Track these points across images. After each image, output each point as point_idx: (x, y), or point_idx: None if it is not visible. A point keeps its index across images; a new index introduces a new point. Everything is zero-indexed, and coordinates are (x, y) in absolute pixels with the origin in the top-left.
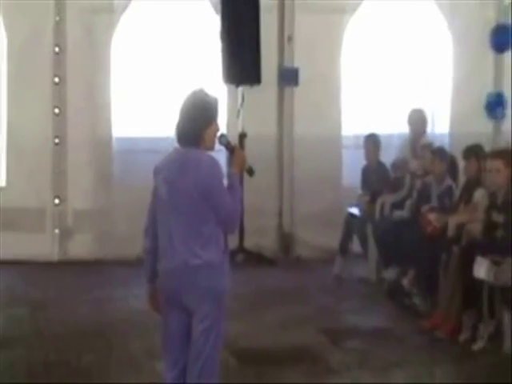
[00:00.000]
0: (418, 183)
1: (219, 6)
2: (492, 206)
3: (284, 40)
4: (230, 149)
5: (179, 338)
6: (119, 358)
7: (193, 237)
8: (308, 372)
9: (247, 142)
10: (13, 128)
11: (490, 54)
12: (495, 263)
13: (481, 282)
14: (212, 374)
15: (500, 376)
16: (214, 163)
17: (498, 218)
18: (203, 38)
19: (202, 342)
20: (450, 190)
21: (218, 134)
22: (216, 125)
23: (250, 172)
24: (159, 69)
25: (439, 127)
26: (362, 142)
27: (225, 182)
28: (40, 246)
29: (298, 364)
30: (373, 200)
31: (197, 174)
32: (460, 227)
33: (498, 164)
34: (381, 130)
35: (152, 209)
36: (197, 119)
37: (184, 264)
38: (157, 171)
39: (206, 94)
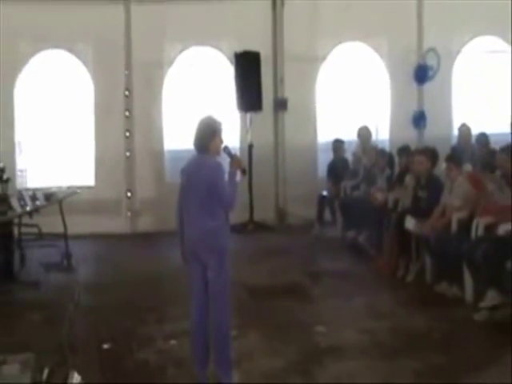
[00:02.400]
0: (368, 172)
1: (233, 60)
2: (417, 185)
3: (277, 80)
4: (231, 156)
5: (200, 281)
6: (171, 293)
7: (204, 213)
8: (296, 300)
9: (254, 150)
10: (99, 145)
11: (414, 85)
12: (419, 221)
13: (410, 235)
14: (225, 305)
15: (423, 297)
16: (218, 165)
17: (422, 193)
18: (223, 80)
19: (214, 284)
20: (389, 176)
21: (223, 145)
22: (219, 138)
23: (244, 172)
24: (193, 102)
25: (381, 135)
26: (330, 146)
27: (226, 177)
28: (118, 224)
29: (290, 295)
30: (338, 184)
31: (206, 172)
32: (396, 201)
33: (421, 158)
34: (344, 137)
35: (179, 196)
36: (204, 134)
37: (199, 230)
38: (182, 171)
39: (211, 118)
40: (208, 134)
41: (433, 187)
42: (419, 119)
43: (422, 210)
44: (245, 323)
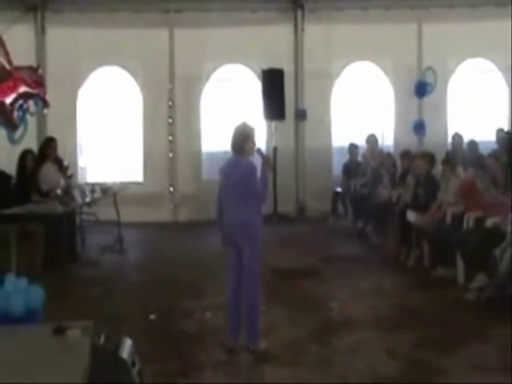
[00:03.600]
0: (375, 172)
1: (261, 76)
2: (417, 184)
3: (298, 93)
4: (263, 156)
5: (235, 263)
6: (209, 272)
7: (241, 205)
8: (313, 281)
9: (278, 152)
10: (147, 148)
11: (415, 98)
12: (419, 214)
13: (411, 226)
14: (256, 283)
15: (421, 279)
16: (251, 164)
17: (421, 191)
18: (251, 93)
19: (248, 266)
20: (393, 175)
21: (256, 147)
22: (252, 141)
23: (273, 169)
24: (226, 111)
25: (387, 141)
26: (344, 150)
27: (258, 175)
28: (162, 214)
29: (308, 276)
30: (350, 182)
31: (242, 170)
32: (399, 197)
33: (420, 161)
34: (357, 141)
35: (219, 191)
36: (239, 138)
37: (236, 220)
38: (221, 169)
39: (245, 124)
40: (243, 137)
41: (430, 186)
42: (419, 128)
43: (421, 205)
44: (270, 300)
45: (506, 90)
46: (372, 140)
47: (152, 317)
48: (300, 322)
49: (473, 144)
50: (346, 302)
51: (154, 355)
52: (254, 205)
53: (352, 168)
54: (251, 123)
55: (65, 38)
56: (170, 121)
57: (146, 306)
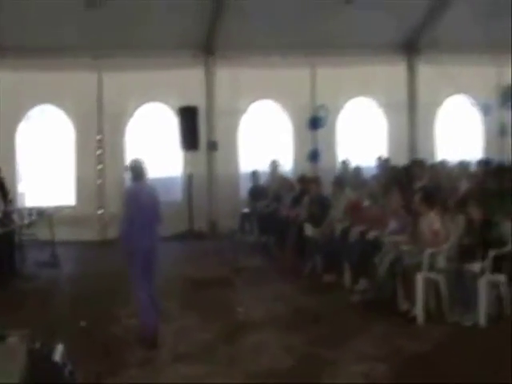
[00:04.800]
0: (276, 194)
1: (178, 112)
2: (311, 204)
3: (210, 127)
4: None
5: (146, 273)
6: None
7: (151, 224)
8: (223, 289)
9: (193, 178)
10: (79, 175)
11: (310, 131)
12: (314, 229)
13: (306, 239)
14: None
15: (315, 285)
16: (156, 190)
17: (315, 209)
18: (170, 127)
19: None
20: (292, 197)
21: None
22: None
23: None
24: (148, 144)
25: (286, 167)
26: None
27: None
28: (92, 233)
29: (218, 285)
30: (255, 203)
31: (151, 196)
32: (296, 215)
33: (314, 184)
34: (259, 168)
35: (131, 216)
36: (140, 167)
37: (151, 242)
38: (132, 195)
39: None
40: (143, 167)
41: (323, 204)
42: (314, 155)
43: (315, 221)
44: (186, 306)
45: (385, 123)
46: (274, 166)
47: (83, 323)
48: (211, 325)
49: (358, 169)
50: (251, 307)
51: (85, 357)
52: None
53: (256, 191)
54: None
55: (7, 80)
56: (99, 152)
57: (78, 314)
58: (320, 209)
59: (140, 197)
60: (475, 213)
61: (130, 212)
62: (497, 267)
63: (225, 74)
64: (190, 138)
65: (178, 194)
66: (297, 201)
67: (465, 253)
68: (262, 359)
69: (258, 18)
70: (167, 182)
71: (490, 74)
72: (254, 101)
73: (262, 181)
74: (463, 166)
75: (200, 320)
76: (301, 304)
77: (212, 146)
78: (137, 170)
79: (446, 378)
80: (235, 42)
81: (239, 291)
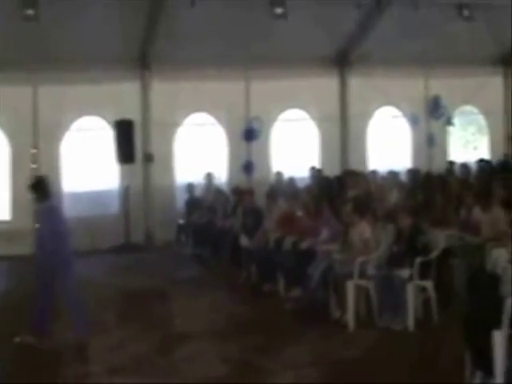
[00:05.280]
0: (211, 206)
1: (114, 125)
2: (246, 214)
3: (147, 140)
4: None
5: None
6: None
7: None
8: (159, 300)
9: (130, 190)
10: (13, 190)
11: (244, 142)
12: (249, 240)
13: (241, 250)
14: None
15: (250, 294)
16: None
17: (249, 220)
18: (106, 140)
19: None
20: (227, 208)
21: None
22: None
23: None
24: (85, 157)
25: (222, 179)
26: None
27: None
28: (27, 248)
29: (154, 297)
30: (191, 215)
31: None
32: (231, 226)
33: (248, 196)
34: (195, 179)
35: (56, 232)
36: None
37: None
38: (54, 212)
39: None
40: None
41: (257, 215)
42: (248, 167)
43: (250, 232)
44: (121, 318)
45: (318, 135)
46: (209, 178)
47: (17, 339)
48: (147, 337)
49: (291, 180)
50: (188, 317)
51: (19, 373)
52: None
53: (192, 203)
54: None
55: None
56: (34, 166)
57: (12, 329)
58: (254, 220)
59: (53, 214)
60: (404, 222)
61: (45, 229)
62: (424, 273)
63: (160, 88)
64: (126, 150)
65: (114, 207)
66: (231, 212)
67: (394, 260)
68: (198, 369)
69: (193, 32)
70: (104, 195)
71: (417, 86)
72: (189, 114)
73: (198, 192)
74: (393, 175)
75: (136, 332)
76: (236, 313)
77: (148, 159)
78: (44, 189)
79: (376, 381)
80: (171, 56)
81: (175, 302)
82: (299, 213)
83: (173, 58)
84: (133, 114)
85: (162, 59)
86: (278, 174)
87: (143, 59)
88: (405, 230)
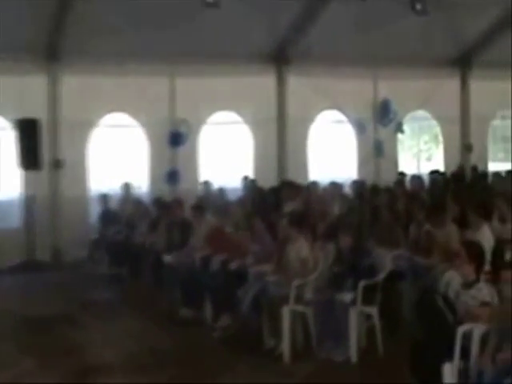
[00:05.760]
0: (129, 219)
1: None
2: (170, 229)
3: (54, 142)
4: None
5: None
6: None
7: None
8: (68, 327)
9: (35, 200)
10: None
11: (169, 148)
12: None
13: (164, 269)
14: None
15: (172, 320)
16: None
17: (175, 235)
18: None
19: None
20: (147, 222)
21: None
22: None
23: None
24: None
25: (143, 189)
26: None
27: None
28: None
29: (62, 323)
30: (106, 229)
31: None
32: (153, 242)
33: (174, 208)
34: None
35: None
36: None
37: None
38: None
39: None
40: None
41: (184, 230)
42: (173, 176)
43: (175, 249)
44: (21, 350)
45: (252, 140)
46: (127, 188)
47: None
48: (53, 370)
49: (221, 191)
50: (101, 347)
51: None
52: None
53: (107, 216)
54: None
55: None
56: None
57: None
58: (181, 235)
59: None
60: (346, 240)
61: None
62: (368, 298)
63: (72, 83)
64: (29, 154)
65: (15, 219)
66: (152, 227)
67: (335, 282)
68: None
69: (111, 21)
70: (3, 206)
71: (365, 87)
72: (105, 113)
73: (114, 204)
74: (335, 187)
75: (40, 365)
76: (157, 342)
77: (56, 165)
78: None
79: None
80: (85, 47)
81: (87, 329)
82: (229, 228)
83: (87, 49)
84: (38, 112)
85: (74, 50)
86: (207, 183)
87: (52, 49)
88: (346, 249)
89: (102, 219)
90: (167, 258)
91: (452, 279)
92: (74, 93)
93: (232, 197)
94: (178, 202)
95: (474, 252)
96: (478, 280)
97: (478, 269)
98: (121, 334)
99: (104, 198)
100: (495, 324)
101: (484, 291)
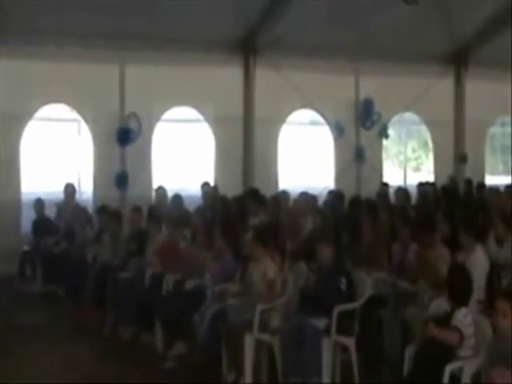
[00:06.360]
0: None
1: None
2: (130, 240)
3: None
4: None
5: None
6: None
7: None
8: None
9: None
10: None
11: (117, 146)
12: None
13: (108, 287)
14: None
15: (118, 348)
16: None
17: (132, 246)
18: None
19: None
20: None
21: None
22: None
23: None
24: None
25: (86, 194)
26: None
27: None
28: None
29: None
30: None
31: None
32: (95, 256)
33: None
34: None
35: None
36: None
37: None
38: None
39: None
40: None
41: (137, 242)
42: (121, 179)
43: (122, 264)
44: None
45: (213, 141)
46: (69, 191)
47: None
48: None
49: (177, 198)
50: (32, 378)
51: None
52: None
53: (41, 224)
54: None
55: None
56: None
57: None
58: (137, 246)
59: None
60: (325, 253)
61: None
62: (345, 327)
63: (4, 68)
64: None
65: None
66: (95, 238)
67: (306, 307)
68: None
69: None
70: None
71: (344, 85)
72: (42, 104)
73: (50, 211)
74: (307, 198)
75: None
76: (98, 374)
77: None
78: None
79: None
80: (20, 26)
81: (16, 358)
82: (185, 242)
83: (22, 28)
84: None
85: (9, 28)
86: (160, 189)
87: None
88: (324, 266)
89: (35, 229)
90: (124, 275)
91: (440, 307)
92: (6, 79)
93: (189, 206)
94: (139, 208)
95: (461, 278)
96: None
97: (465, 297)
98: (56, 364)
99: (39, 203)
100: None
101: (468, 318)
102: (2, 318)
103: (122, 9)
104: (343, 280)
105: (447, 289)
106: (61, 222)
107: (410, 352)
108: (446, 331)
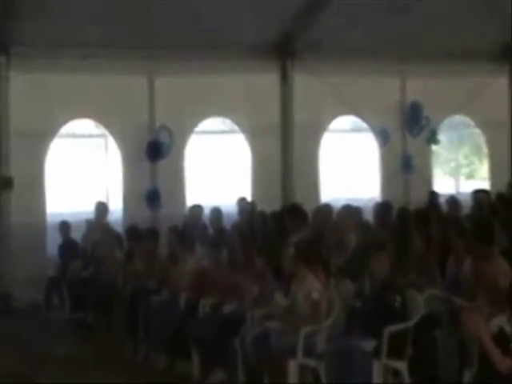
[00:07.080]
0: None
1: None
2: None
3: (2, 157)
4: None
5: None
6: None
7: None
8: None
9: None
10: None
11: (147, 162)
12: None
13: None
14: None
15: (154, 377)
16: None
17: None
18: None
19: None
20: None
21: None
22: None
23: None
24: None
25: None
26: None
27: None
28: None
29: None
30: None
31: None
32: (126, 280)
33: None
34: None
35: None
36: None
37: None
38: None
39: None
40: None
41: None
42: (152, 197)
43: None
44: None
45: (249, 153)
46: (101, 209)
47: None
48: None
49: (216, 212)
50: None
51: None
52: None
53: (67, 248)
54: None
55: None
56: None
57: None
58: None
59: None
60: (371, 274)
61: None
62: (396, 349)
63: (21, 82)
64: None
65: None
66: (127, 260)
67: (353, 328)
68: None
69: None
70: None
71: (390, 88)
72: (67, 120)
73: (78, 234)
74: (350, 211)
75: None
76: None
77: (5, 184)
78: None
79: None
80: (39, 37)
81: None
82: (222, 263)
83: (42, 39)
84: None
85: (25, 40)
86: (195, 207)
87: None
88: (372, 287)
89: (61, 253)
90: (157, 299)
91: (503, 327)
92: (25, 94)
93: (225, 223)
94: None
95: None
96: None
97: None
98: None
99: (64, 225)
100: None
101: None
102: (29, 348)
103: (148, 18)
104: (398, 298)
105: (508, 306)
106: (88, 243)
107: (468, 376)
108: (498, 355)
